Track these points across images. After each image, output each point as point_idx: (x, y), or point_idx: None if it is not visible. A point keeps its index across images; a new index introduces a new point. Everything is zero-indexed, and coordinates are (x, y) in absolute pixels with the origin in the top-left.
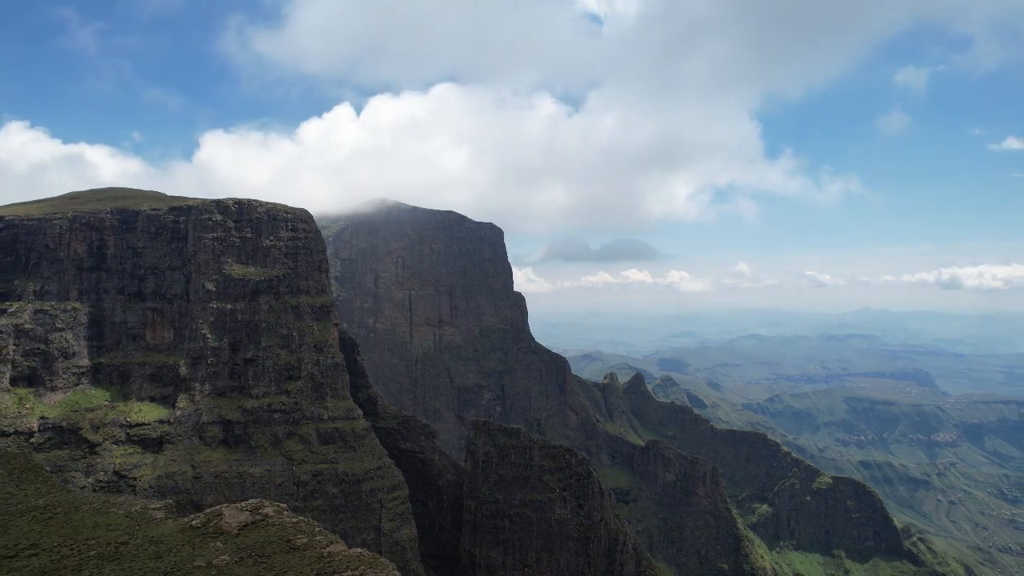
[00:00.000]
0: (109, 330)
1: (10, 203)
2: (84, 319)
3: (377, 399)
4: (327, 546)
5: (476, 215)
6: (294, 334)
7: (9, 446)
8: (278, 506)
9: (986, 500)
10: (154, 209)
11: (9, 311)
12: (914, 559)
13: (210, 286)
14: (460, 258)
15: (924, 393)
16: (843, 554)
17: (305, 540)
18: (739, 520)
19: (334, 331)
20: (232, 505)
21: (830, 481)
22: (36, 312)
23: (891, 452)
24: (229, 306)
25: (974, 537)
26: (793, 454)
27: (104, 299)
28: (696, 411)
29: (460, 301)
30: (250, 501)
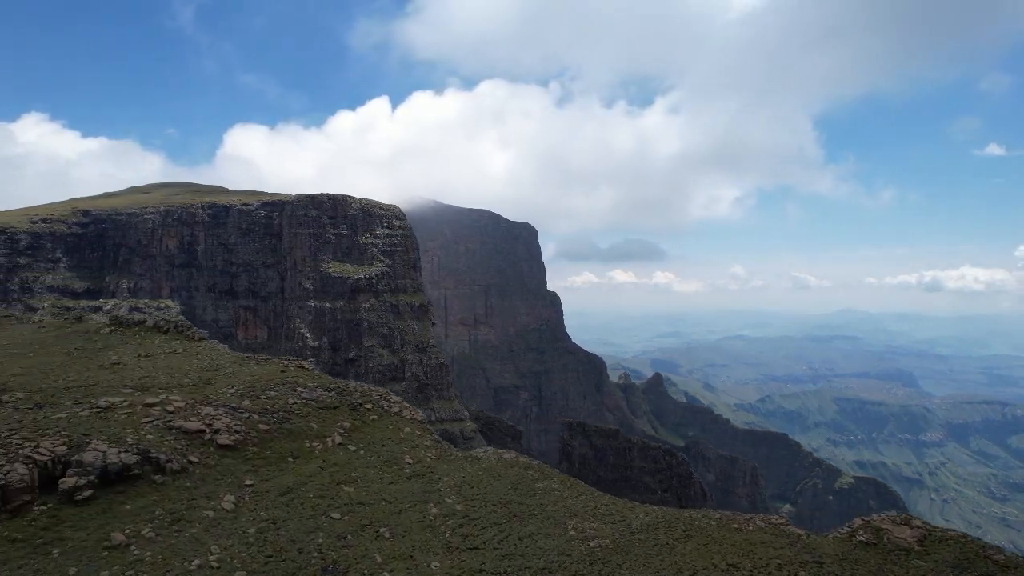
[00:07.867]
0: (200, 328)
1: (71, 198)
2: (177, 317)
3: (456, 399)
4: None
5: (513, 214)
6: (396, 334)
7: (489, 457)
8: (919, 519)
9: (977, 499)
10: (245, 204)
11: (104, 308)
12: None
13: (307, 284)
14: (495, 257)
15: (910, 394)
16: None
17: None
18: None
19: (431, 330)
20: (878, 517)
21: (852, 481)
22: (131, 310)
23: (880, 452)
24: (328, 305)
25: None
26: (814, 454)
27: (195, 296)
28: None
29: (495, 300)
30: (890, 514)
